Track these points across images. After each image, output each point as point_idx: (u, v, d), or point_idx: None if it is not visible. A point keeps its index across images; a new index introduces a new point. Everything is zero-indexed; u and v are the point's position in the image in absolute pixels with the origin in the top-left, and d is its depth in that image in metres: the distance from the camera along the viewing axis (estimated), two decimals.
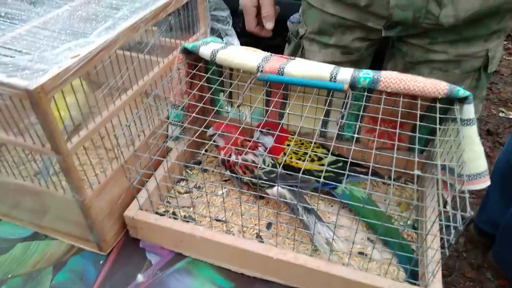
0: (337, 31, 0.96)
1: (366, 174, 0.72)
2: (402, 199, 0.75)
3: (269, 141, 0.78)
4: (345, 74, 0.66)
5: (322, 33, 0.98)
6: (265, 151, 0.76)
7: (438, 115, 0.60)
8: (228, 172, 0.75)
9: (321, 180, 0.50)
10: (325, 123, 0.81)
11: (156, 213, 0.70)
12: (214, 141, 0.80)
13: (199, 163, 0.85)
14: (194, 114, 0.64)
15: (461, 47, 0.87)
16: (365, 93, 0.65)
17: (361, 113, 0.62)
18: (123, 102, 0.65)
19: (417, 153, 0.53)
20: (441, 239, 0.58)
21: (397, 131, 0.58)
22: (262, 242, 0.67)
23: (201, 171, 0.83)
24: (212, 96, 0.83)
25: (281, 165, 0.68)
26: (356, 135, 0.57)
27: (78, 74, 0.54)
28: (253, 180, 0.72)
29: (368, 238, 0.69)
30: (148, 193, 0.67)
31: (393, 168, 0.49)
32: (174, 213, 0.73)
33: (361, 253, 0.66)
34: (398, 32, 0.89)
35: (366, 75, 0.65)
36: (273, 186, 0.71)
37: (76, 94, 0.58)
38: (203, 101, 0.67)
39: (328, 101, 0.76)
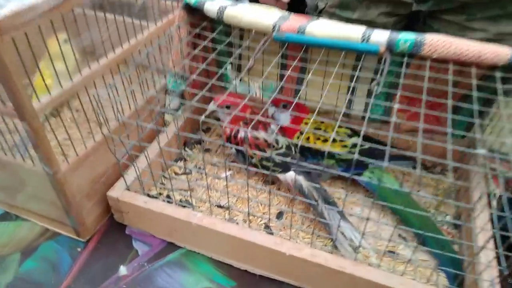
0: (361, 5, 0.84)
1: (400, 159, 0.60)
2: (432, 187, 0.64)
3: (285, 118, 0.67)
4: (381, 35, 0.54)
5: (344, 7, 0.86)
6: (279, 128, 0.65)
7: (498, 86, 0.48)
8: (234, 149, 0.64)
9: (357, 156, 0.39)
10: (350, 99, 0.69)
11: (147, 195, 0.59)
12: (218, 119, 0.69)
13: (200, 142, 0.74)
14: (195, 76, 0.52)
15: (504, 24, 0.74)
16: (405, 59, 0.53)
17: (401, 80, 0.50)
18: (109, 62, 0.54)
19: (478, 132, 0.42)
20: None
21: (450, 101, 0.46)
22: (272, 234, 0.56)
23: (202, 150, 0.71)
24: (217, 60, 0.72)
25: (298, 145, 0.56)
26: (391, 103, 0.45)
27: (48, 16, 0.43)
28: (265, 161, 0.61)
29: (399, 235, 0.57)
30: (137, 171, 0.56)
31: (450, 146, 0.38)
32: (168, 196, 0.62)
33: (391, 252, 0.54)
34: (430, 6, 0.77)
35: (406, 37, 0.53)
36: (287, 171, 0.59)
37: (59, 62, 0.47)
38: (206, 63, 0.55)
39: (358, 68, 0.64)
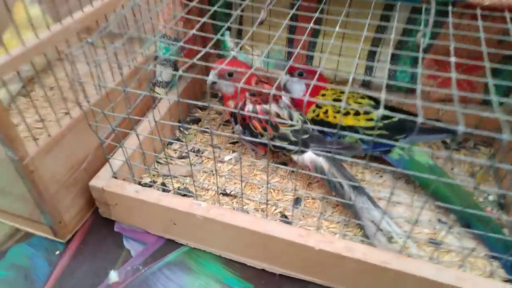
0: None
1: (433, 132, 0.52)
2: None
3: (299, 88, 0.57)
4: None
5: None
6: (292, 102, 0.55)
7: None
8: (239, 128, 0.54)
9: (421, 120, 0.30)
10: (371, 66, 0.60)
11: (139, 183, 0.50)
12: (215, 95, 0.60)
13: (197, 120, 0.64)
14: (194, 31, 0.42)
15: None
16: (450, 8, 0.44)
17: (450, 31, 0.41)
18: (85, 16, 0.43)
19: None
20: None
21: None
22: (290, 223, 0.47)
23: (200, 131, 0.61)
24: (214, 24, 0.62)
25: (325, 121, 0.47)
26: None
27: None
28: (278, 140, 0.51)
29: (439, 220, 0.49)
30: (126, 154, 0.46)
31: None
32: (164, 184, 0.52)
33: (432, 241, 0.46)
34: None
35: None
36: (303, 151, 0.50)
37: (28, 30, 0.37)
38: (206, 16, 0.45)
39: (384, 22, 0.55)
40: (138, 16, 0.48)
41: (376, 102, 0.56)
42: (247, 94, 0.53)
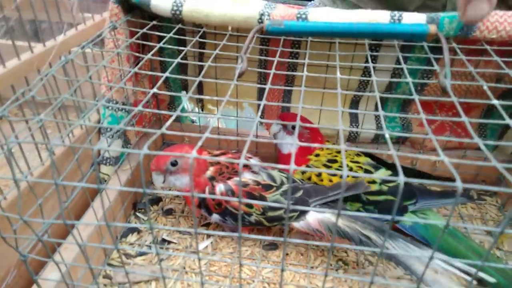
0: None
1: (446, 195, 0.44)
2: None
3: (290, 143, 0.47)
4: (415, 15, 0.39)
5: None
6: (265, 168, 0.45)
7: None
8: (217, 217, 0.42)
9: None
10: (355, 118, 0.53)
11: None
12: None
13: (157, 200, 0.51)
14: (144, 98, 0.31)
15: None
16: (454, 45, 0.38)
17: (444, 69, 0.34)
18: None
19: None
20: None
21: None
22: None
23: (162, 215, 0.48)
24: (168, 82, 0.52)
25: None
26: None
27: None
28: (271, 212, 0.41)
29: None
30: (60, 272, 0.31)
31: None
32: None
33: None
34: None
35: (452, 14, 0.39)
36: (303, 214, 0.41)
37: None
38: (157, 84, 0.35)
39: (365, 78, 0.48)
40: (72, 76, 0.36)
41: (374, 159, 0.48)
42: (204, 176, 0.42)
